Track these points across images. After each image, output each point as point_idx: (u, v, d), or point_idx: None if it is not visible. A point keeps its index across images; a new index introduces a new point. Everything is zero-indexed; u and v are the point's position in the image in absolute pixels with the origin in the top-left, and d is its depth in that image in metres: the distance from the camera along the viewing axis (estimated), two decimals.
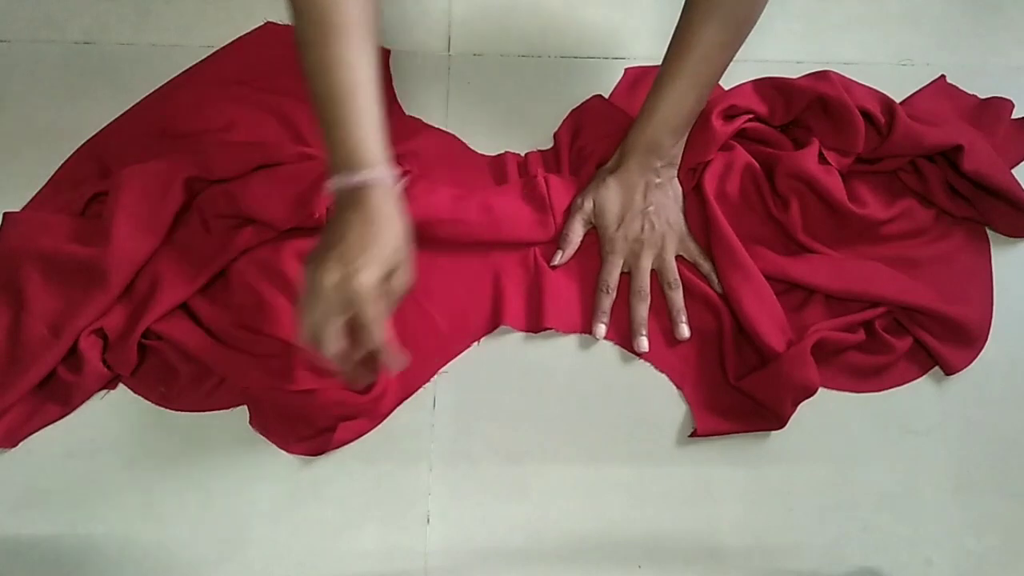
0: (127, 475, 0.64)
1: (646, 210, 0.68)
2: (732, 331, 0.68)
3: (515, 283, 0.70)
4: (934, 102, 0.78)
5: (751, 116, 0.73)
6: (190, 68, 0.77)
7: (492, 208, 0.69)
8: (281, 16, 0.80)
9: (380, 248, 0.53)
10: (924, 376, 0.69)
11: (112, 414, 0.66)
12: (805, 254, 0.70)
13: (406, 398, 0.67)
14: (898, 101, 0.74)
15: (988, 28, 0.83)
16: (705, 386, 0.68)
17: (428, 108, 0.77)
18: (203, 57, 0.78)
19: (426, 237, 0.69)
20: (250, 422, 0.65)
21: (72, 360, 0.64)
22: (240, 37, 0.79)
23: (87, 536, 0.63)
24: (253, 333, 0.64)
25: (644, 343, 0.68)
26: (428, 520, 0.64)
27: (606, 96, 0.78)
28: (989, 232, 0.74)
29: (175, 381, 0.66)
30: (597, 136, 0.74)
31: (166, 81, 0.77)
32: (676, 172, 0.70)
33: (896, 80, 0.78)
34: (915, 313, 0.68)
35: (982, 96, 0.78)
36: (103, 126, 0.74)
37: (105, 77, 0.77)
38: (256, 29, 0.79)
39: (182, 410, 0.66)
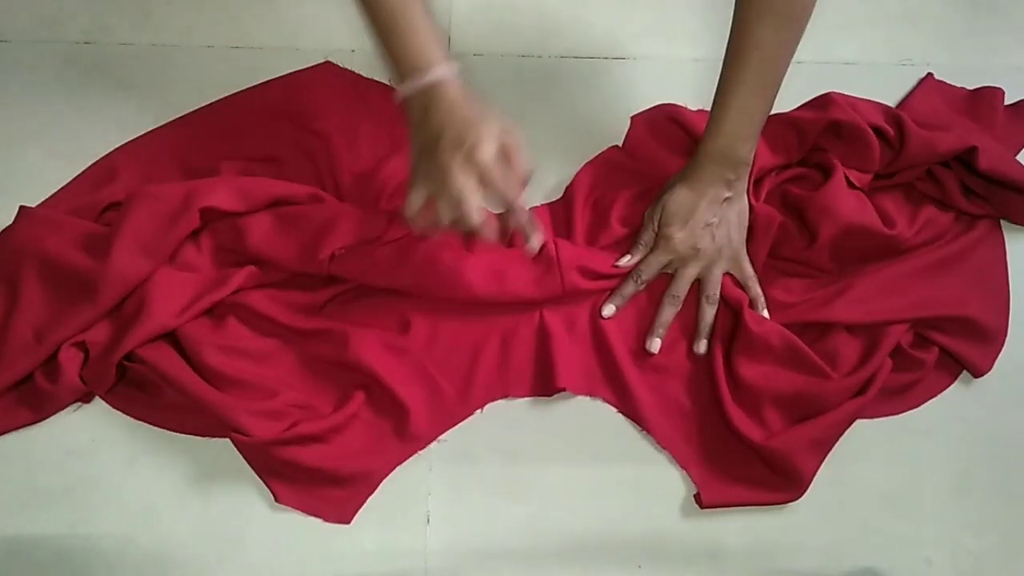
0: (127, 475, 0.64)
1: (710, 222, 0.66)
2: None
3: (522, 348, 0.67)
4: (927, 101, 0.77)
5: (770, 170, 0.71)
6: (242, 91, 0.75)
7: (496, 267, 0.66)
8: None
9: (484, 125, 0.54)
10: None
11: (112, 414, 0.66)
12: (816, 293, 0.69)
13: (403, 461, 0.65)
14: (898, 101, 0.73)
15: (988, 28, 0.83)
16: (709, 457, 0.66)
17: None
18: (204, 58, 0.77)
19: (429, 297, 0.67)
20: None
21: (51, 368, 0.63)
22: (296, 71, 0.76)
23: (87, 536, 0.63)
24: (236, 376, 0.63)
25: (657, 344, 0.67)
26: (428, 520, 0.64)
27: (619, 143, 0.75)
28: (1005, 224, 0.73)
29: (160, 399, 0.65)
30: (614, 189, 0.72)
31: (226, 95, 0.75)
32: (746, 185, 0.67)
33: (896, 80, 0.78)
34: (935, 321, 0.68)
35: None
36: (103, 126, 0.74)
37: (105, 77, 0.77)
38: (315, 66, 0.77)
39: (166, 428, 0.65)
